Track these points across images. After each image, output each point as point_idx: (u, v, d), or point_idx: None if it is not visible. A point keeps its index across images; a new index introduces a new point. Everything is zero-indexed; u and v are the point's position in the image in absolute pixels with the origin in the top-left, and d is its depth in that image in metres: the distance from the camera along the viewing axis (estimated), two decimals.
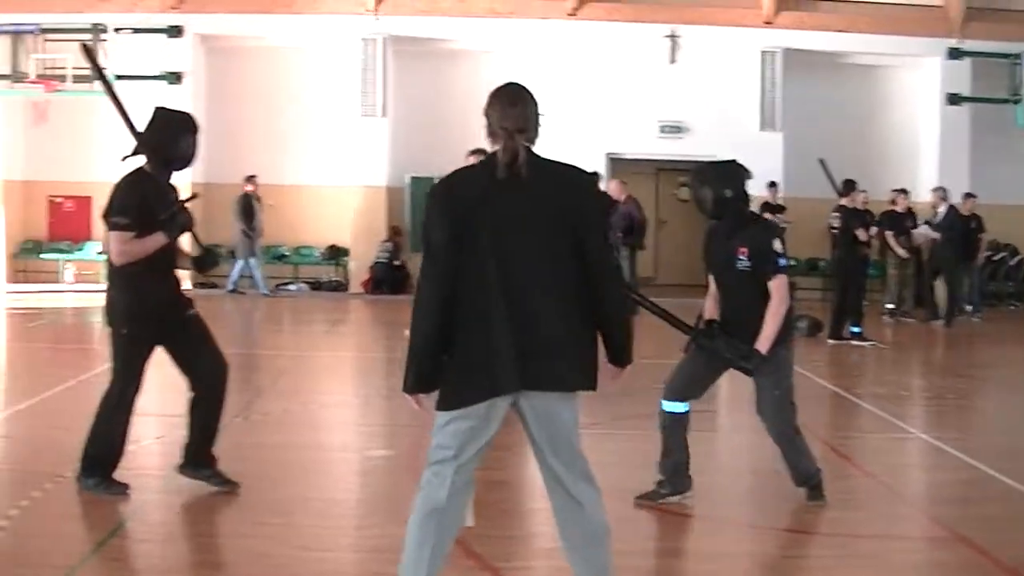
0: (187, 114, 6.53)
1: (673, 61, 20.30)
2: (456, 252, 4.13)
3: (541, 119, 4.28)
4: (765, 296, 6.17)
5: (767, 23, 20.32)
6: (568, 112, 19.98)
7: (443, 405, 4.22)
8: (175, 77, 20.13)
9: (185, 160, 6.41)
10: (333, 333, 16.34)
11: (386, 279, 19.92)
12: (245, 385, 9.92)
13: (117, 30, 19.61)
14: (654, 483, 6.50)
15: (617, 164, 20.19)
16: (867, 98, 21.28)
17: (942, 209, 17.90)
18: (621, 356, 4.42)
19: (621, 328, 4.39)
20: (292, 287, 20.35)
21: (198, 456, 6.47)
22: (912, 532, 6.32)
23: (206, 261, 6.60)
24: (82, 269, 20.47)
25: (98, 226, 20.53)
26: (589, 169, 4.39)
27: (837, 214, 15.21)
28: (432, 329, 4.20)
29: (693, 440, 6.52)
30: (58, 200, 21.16)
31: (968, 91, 20.74)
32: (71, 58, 19.34)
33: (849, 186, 15.15)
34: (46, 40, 19.80)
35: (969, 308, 18.40)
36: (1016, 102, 20.35)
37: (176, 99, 19.47)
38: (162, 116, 6.47)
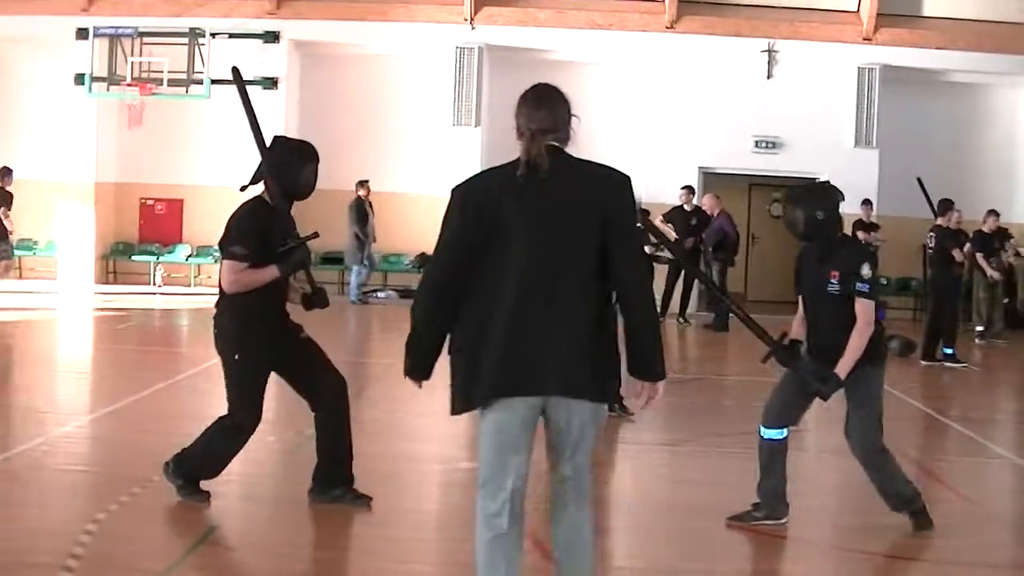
0: (307, 143, 6.55)
1: (770, 76, 20.31)
2: (467, 241, 4.17)
3: (574, 120, 4.31)
4: (855, 321, 6.17)
5: (866, 39, 20.27)
6: (663, 125, 20.14)
7: (453, 408, 4.30)
8: (271, 83, 20.35)
9: (308, 190, 6.37)
10: None
11: None
12: None
13: (214, 35, 19.79)
14: (750, 504, 6.52)
15: (710, 178, 20.27)
16: (965, 116, 21.19)
17: None
18: (649, 370, 4.25)
19: (648, 339, 4.24)
20: (381, 294, 20.45)
21: (327, 479, 6.46)
22: (1015, 561, 6.24)
23: (316, 300, 6.52)
24: (171, 272, 20.68)
25: (189, 229, 20.98)
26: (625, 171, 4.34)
27: (932, 233, 15.12)
28: (429, 313, 4.28)
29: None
30: (149, 203, 21.38)
31: None
32: (167, 61, 19.63)
33: (945, 205, 15.09)
34: (143, 43, 19.99)
35: None
36: None
37: (271, 104, 19.87)
38: (284, 145, 6.50)
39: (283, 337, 6.34)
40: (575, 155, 4.27)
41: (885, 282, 19.38)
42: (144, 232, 21.53)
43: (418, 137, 20.91)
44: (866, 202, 19.68)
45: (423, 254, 20.69)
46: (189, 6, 20.16)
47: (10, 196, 17.35)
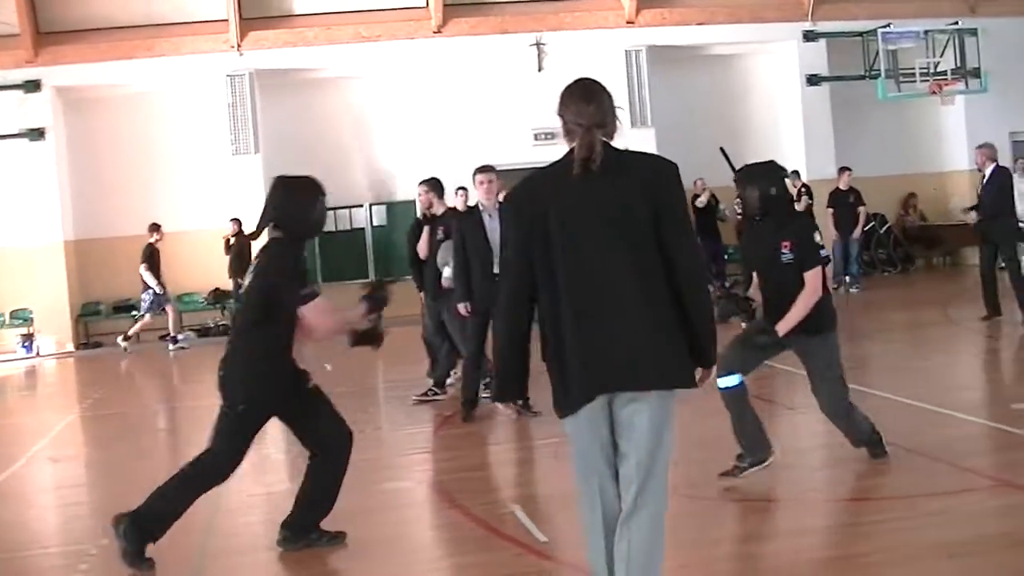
0: (312, 178, 6.36)
1: (540, 69, 21.32)
2: (529, 249, 4.28)
3: (618, 112, 4.43)
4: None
5: (629, 23, 21.63)
6: (443, 127, 20.86)
7: (558, 412, 4.39)
8: (37, 134, 20.41)
9: (320, 227, 6.41)
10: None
11: None
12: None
13: None
14: (735, 457, 7.18)
15: (507, 175, 20.90)
16: (731, 86, 22.82)
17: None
18: (703, 356, 4.36)
19: (704, 326, 4.30)
20: (180, 338, 19.60)
21: (302, 525, 6.41)
22: (958, 485, 6.84)
23: (371, 339, 6.47)
24: None
25: None
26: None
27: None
28: (511, 328, 4.40)
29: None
30: None
31: (826, 71, 22.33)
32: None
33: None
34: None
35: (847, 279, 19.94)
36: (874, 77, 21.75)
37: (40, 156, 19.97)
38: (287, 184, 6.32)
39: (292, 386, 6.24)
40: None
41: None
42: None
43: (198, 171, 21.23)
44: None
45: (217, 289, 20.94)
46: None
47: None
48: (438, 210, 11.54)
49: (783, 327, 6.90)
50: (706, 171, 19.06)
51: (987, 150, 14.42)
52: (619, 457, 4.32)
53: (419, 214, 12.18)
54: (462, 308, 10.27)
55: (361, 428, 8.02)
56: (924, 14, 22.55)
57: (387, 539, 6.77)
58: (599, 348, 4.20)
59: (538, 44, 21.32)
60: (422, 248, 11.52)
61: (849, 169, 20.58)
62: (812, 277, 6.92)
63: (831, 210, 20.46)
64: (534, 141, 20.52)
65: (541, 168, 4.50)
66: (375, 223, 21.53)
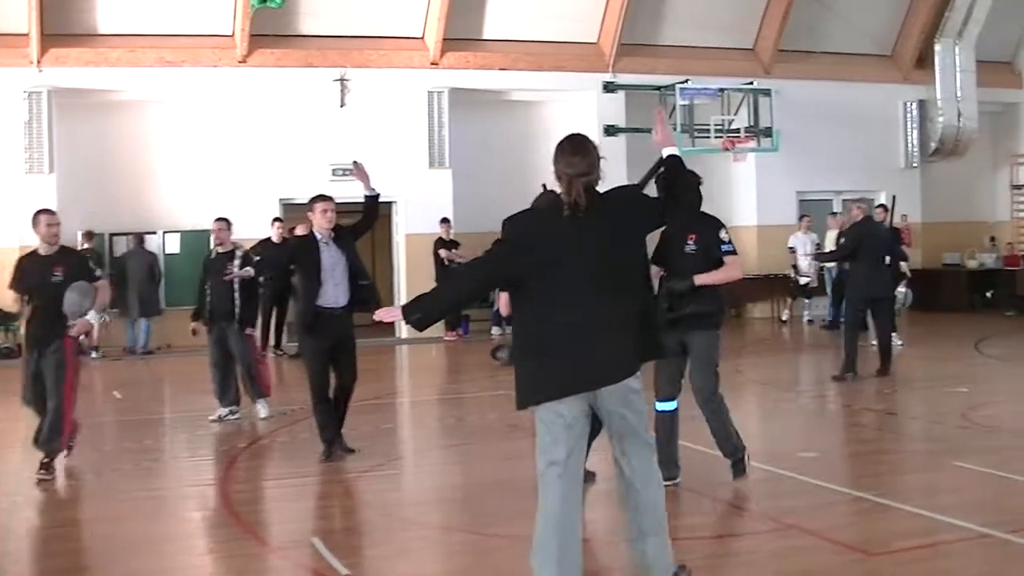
0: None
1: (343, 104, 22.13)
2: (506, 265, 5.57)
3: (603, 162, 5.56)
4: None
5: (433, 64, 22.61)
6: (242, 158, 21.41)
7: (521, 403, 5.58)
8: None
9: None
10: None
11: None
12: None
13: None
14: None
15: (290, 208, 21.29)
16: (530, 132, 23.96)
17: None
18: (658, 349, 5.85)
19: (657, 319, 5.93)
20: None
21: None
22: (746, 528, 7.86)
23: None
24: None
25: None
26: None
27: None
28: (447, 304, 5.99)
29: None
30: None
31: (623, 122, 23.66)
32: None
33: None
34: None
35: None
36: None
37: None
38: None
39: None
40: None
41: None
42: None
43: None
44: (444, 220, 21.80)
45: (0, 311, 20.97)
46: None
47: None
48: (227, 246, 13.18)
49: (701, 280, 8.31)
50: (503, 214, 19.95)
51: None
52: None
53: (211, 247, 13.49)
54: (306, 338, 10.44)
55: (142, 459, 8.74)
56: (721, 72, 24.21)
57: (180, 569, 7.17)
58: (582, 350, 5.42)
59: (342, 80, 22.16)
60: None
61: None
62: (732, 262, 8.48)
63: None
64: (331, 176, 20.97)
65: (533, 208, 6.10)
66: (167, 251, 21.85)
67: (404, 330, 22.37)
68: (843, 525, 7.70)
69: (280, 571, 7.24)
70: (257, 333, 13.84)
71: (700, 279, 8.33)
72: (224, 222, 13.44)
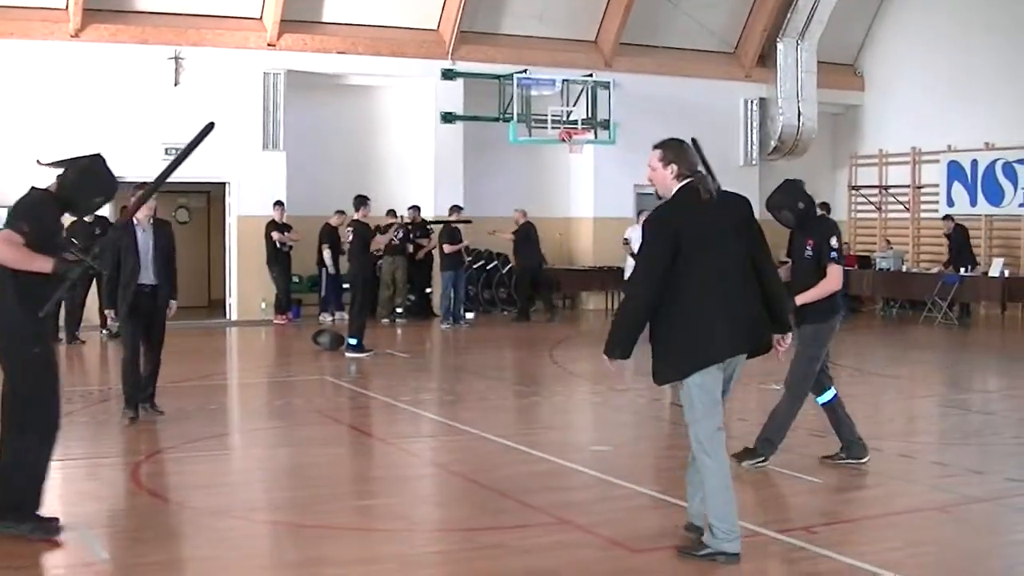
0: (109, 179, 7.93)
1: (177, 83, 22.58)
2: (668, 255, 6.52)
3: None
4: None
5: (270, 45, 23.16)
6: (73, 134, 21.42)
7: (677, 372, 6.70)
8: None
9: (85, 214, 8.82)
10: None
11: None
12: None
13: None
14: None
15: (122, 187, 21.54)
16: (367, 117, 24.86)
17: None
18: (782, 324, 6.99)
19: (785, 303, 7.20)
20: None
21: None
22: (519, 521, 7.91)
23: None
24: None
25: None
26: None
27: (350, 228, 17.67)
28: (643, 318, 6.66)
29: None
30: None
31: (461, 110, 24.52)
32: None
33: (360, 201, 17.77)
34: None
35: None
36: (507, 120, 23.94)
37: None
38: (89, 168, 7.74)
39: None
40: None
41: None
42: None
43: None
44: (278, 203, 22.43)
45: None
46: None
47: None
48: None
49: (800, 300, 9.17)
50: (337, 197, 20.76)
51: None
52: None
53: None
54: (110, 315, 11.92)
55: None
56: (562, 64, 25.29)
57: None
58: (726, 322, 6.59)
59: (176, 58, 22.57)
60: None
61: (461, 207, 22.89)
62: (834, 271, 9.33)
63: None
64: (164, 155, 21.06)
65: (673, 202, 6.79)
66: None
67: (235, 312, 22.95)
68: (616, 520, 7.88)
69: (33, 555, 6.97)
70: None
71: (799, 299, 9.18)
72: None
